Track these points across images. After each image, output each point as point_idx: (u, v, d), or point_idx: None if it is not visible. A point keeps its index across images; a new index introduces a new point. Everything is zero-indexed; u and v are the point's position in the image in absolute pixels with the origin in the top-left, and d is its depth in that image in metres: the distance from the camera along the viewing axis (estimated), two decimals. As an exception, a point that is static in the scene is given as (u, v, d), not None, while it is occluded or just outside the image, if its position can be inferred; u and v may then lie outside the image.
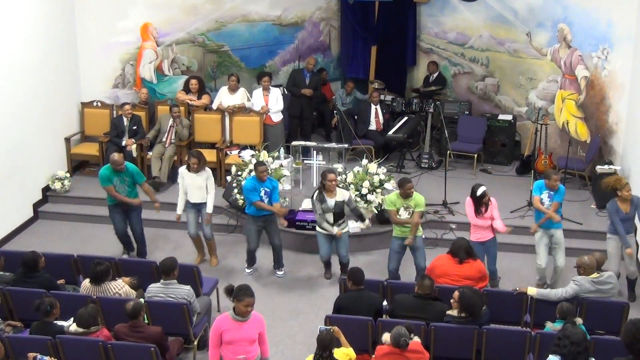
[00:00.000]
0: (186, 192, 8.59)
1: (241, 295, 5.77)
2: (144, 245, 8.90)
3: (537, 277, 8.25)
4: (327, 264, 8.61)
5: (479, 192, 7.96)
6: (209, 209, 8.62)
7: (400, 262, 8.22)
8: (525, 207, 9.79)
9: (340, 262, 8.50)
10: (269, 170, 9.27)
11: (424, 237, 9.36)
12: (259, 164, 8.44)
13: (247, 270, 8.75)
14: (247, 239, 8.64)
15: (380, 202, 8.98)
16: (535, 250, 8.21)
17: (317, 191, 8.25)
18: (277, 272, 8.77)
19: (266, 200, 8.29)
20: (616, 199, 8.00)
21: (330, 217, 8.15)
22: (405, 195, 7.93)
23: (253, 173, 9.02)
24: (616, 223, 7.93)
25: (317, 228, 8.32)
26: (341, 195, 8.19)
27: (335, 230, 8.12)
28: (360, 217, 8.58)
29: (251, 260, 8.76)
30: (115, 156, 8.45)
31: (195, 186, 8.52)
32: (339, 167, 9.52)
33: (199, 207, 8.66)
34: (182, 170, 8.61)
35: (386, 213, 8.36)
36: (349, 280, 6.81)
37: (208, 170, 8.68)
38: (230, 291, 5.94)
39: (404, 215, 7.97)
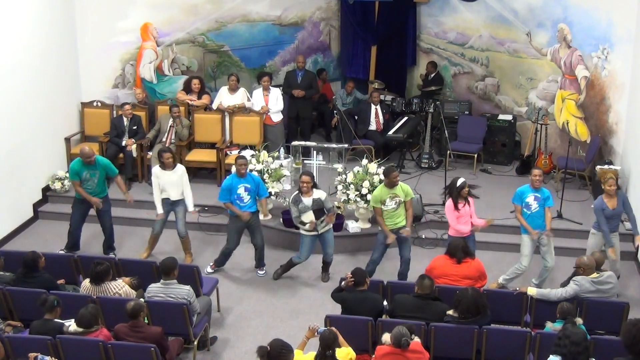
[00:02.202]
0: (162, 191, 8.62)
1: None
2: (112, 240, 8.95)
3: (509, 276, 8.14)
4: (292, 266, 8.60)
5: (459, 182, 7.97)
6: (190, 206, 8.67)
7: (384, 254, 8.25)
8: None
9: (324, 260, 8.57)
10: (269, 171, 9.30)
11: (423, 237, 9.41)
12: (239, 157, 8.48)
13: (209, 270, 8.70)
14: (227, 237, 8.64)
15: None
16: (521, 251, 8.13)
17: (295, 193, 8.31)
18: (258, 272, 8.78)
19: (247, 198, 8.32)
20: (602, 195, 8.01)
21: (311, 215, 8.18)
22: (391, 184, 7.98)
23: (254, 173, 9.07)
24: (601, 222, 7.93)
25: (301, 229, 8.37)
26: (318, 194, 8.24)
27: (307, 225, 8.12)
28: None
29: (222, 260, 8.72)
30: (86, 149, 8.52)
31: (172, 183, 8.56)
32: (339, 167, 9.52)
33: (172, 207, 8.68)
34: (156, 170, 8.64)
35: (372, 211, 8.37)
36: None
37: (181, 166, 8.76)
38: (265, 354, 5.54)
39: (390, 205, 7.99)
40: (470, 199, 8.08)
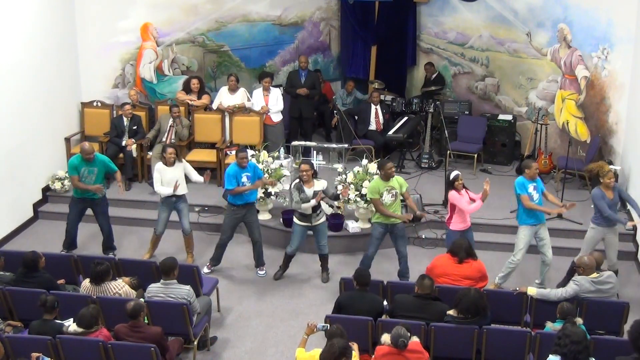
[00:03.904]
0: (164, 186, 8.62)
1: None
2: (111, 240, 8.93)
3: (504, 272, 8.14)
4: (288, 259, 8.61)
5: (452, 175, 8.07)
6: (195, 178, 8.74)
7: (378, 249, 8.28)
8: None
9: (320, 255, 8.57)
10: (269, 171, 9.30)
11: (424, 237, 9.41)
12: (240, 150, 8.55)
13: (206, 270, 8.67)
14: (222, 229, 8.64)
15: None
16: (516, 245, 8.11)
17: (296, 180, 8.34)
18: (259, 272, 8.77)
19: (248, 184, 8.43)
20: (600, 186, 8.01)
21: (309, 205, 8.22)
22: (387, 176, 8.01)
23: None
24: (603, 208, 7.92)
25: (295, 220, 8.41)
26: (319, 185, 8.29)
27: (313, 201, 8.17)
28: (336, 198, 8.75)
29: (218, 255, 8.71)
30: (86, 145, 8.55)
31: (176, 179, 8.56)
32: (339, 167, 9.53)
33: (174, 205, 8.68)
34: (159, 166, 8.63)
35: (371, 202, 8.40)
36: (354, 280, 6.83)
37: (183, 161, 8.81)
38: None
39: (387, 198, 8.01)
40: (465, 190, 8.10)
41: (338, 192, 8.83)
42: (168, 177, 8.56)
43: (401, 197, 8.17)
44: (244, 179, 8.42)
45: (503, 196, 9.81)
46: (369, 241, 8.34)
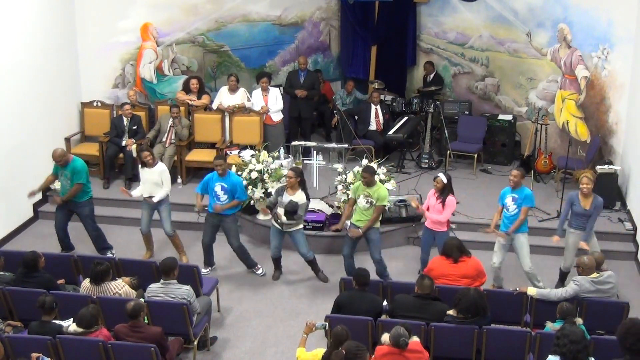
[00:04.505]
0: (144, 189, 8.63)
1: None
2: (101, 241, 8.89)
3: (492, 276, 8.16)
4: (276, 261, 8.62)
5: (438, 174, 8.20)
6: (156, 198, 8.54)
7: (354, 248, 8.29)
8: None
9: (306, 262, 8.55)
10: (269, 171, 9.28)
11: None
12: (217, 157, 8.54)
13: (204, 270, 8.64)
14: (203, 229, 8.69)
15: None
16: (494, 247, 8.15)
17: (283, 184, 8.37)
18: (257, 272, 8.77)
19: (223, 197, 8.32)
20: (579, 191, 7.94)
21: (281, 211, 8.23)
22: (365, 183, 8.01)
23: (254, 173, 9.09)
24: (564, 211, 7.97)
25: (272, 221, 8.44)
26: (298, 197, 8.20)
27: (281, 212, 8.16)
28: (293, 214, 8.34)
29: (207, 258, 8.69)
30: (57, 150, 8.53)
31: (151, 181, 8.56)
32: (338, 167, 9.52)
33: (156, 206, 8.66)
34: (140, 166, 8.64)
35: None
36: (353, 280, 6.83)
37: (162, 164, 8.75)
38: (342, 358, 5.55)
39: (362, 203, 8.04)
40: (434, 194, 8.14)
41: (297, 213, 8.29)
42: (143, 177, 8.59)
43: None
44: (217, 189, 8.34)
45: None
46: (344, 241, 8.38)
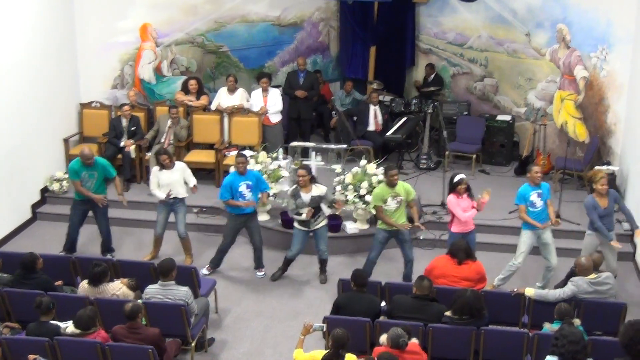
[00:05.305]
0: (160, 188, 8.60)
1: None
2: (109, 242, 8.93)
3: (504, 274, 8.11)
4: (288, 263, 8.60)
5: (457, 178, 8.03)
6: (192, 182, 8.64)
7: (381, 253, 8.28)
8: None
9: (319, 259, 8.55)
10: (268, 172, 9.29)
11: (421, 237, 9.40)
12: (239, 155, 8.50)
13: (206, 272, 8.64)
14: (224, 233, 8.64)
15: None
16: (518, 248, 8.09)
17: (293, 187, 8.34)
18: (257, 273, 8.77)
19: (248, 195, 8.33)
20: (593, 194, 7.96)
21: (304, 212, 8.21)
22: (390, 183, 7.99)
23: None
24: (594, 218, 7.87)
25: (295, 223, 8.40)
26: (318, 190, 8.24)
27: (303, 215, 8.15)
28: (331, 206, 8.53)
29: (218, 259, 8.70)
30: (86, 150, 8.53)
31: (174, 182, 8.54)
32: (337, 167, 9.52)
33: (172, 207, 8.66)
34: (155, 171, 8.62)
35: (374, 210, 8.32)
36: (351, 281, 6.82)
37: (180, 163, 8.78)
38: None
39: (391, 204, 7.99)
40: (467, 195, 8.06)
41: (335, 199, 8.69)
42: (165, 182, 8.56)
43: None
44: (243, 188, 8.33)
45: (502, 197, 9.78)
46: (372, 245, 8.32)
